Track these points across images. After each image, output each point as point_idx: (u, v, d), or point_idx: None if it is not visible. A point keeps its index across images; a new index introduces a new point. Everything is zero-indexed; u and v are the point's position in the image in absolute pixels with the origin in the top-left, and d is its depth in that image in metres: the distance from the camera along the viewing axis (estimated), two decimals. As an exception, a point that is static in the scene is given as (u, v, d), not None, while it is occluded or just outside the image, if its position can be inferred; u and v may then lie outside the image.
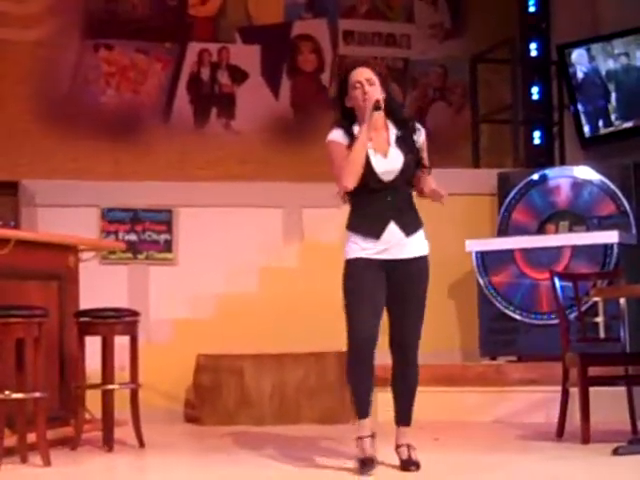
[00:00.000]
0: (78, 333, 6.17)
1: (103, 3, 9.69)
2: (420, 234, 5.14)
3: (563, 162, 9.46)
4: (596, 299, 7.20)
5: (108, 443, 6.09)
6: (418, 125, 5.20)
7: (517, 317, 8.16)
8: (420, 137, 5.17)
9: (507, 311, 8.20)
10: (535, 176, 8.59)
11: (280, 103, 10.05)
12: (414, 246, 5.10)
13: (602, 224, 8.18)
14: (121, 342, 6.26)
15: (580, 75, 9.18)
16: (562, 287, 6.41)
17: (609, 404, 6.36)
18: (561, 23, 9.71)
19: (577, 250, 7.99)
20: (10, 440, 5.52)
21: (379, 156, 5.05)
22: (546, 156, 9.67)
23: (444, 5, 10.56)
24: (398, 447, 5.15)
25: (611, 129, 9.02)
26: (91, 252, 6.82)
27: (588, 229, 8.22)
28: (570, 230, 8.32)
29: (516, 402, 7.41)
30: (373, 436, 5.11)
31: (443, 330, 8.27)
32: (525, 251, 8.20)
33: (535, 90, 9.74)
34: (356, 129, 5.07)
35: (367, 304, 5.00)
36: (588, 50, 9.09)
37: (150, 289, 8.76)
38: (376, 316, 5.04)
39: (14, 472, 5.31)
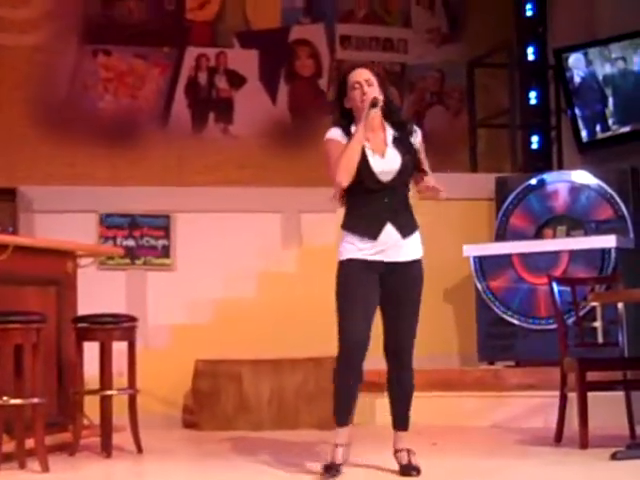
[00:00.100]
0: (76, 339, 6.17)
1: (100, 8, 9.70)
2: (416, 236, 5.13)
3: (561, 167, 9.46)
4: (594, 304, 7.22)
5: (106, 449, 6.08)
6: (415, 127, 5.21)
7: (515, 322, 8.16)
8: (417, 138, 5.17)
9: (505, 316, 8.20)
10: (533, 181, 8.59)
11: (278, 108, 10.06)
12: (410, 249, 5.09)
13: (600, 228, 8.18)
14: (119, 348, 6.25)
15: (577, 79, 9.18)
16: (560, 292, 6.41)
17: (607, 409, 6.35)
18: (558, 27, 9.71)
19: (575, 255, 7.99)
20: (8, 446, 5.52)
21: (377, 156, 5.05)
22: (544, 161, 9.67)
23: (441, 10, 10.58)
24: (397, 452, 5.16)
25: (608, 134, 9.02)
26: (89, 258, 6.82)
27: (586, 234, 8.22)
28: (568, 235, 8.32)
29: (514, 407, 7.40)
30: (348, 445, 5.10)
31: (441, 335, 8.28)
32: (523, 256, 8.20)
33: (532, 94, 9.73)
34: (354, 129, 5.06)
35: (360, 308, 4.99)
36: (585, 54, 9.10)
37: (148, 295, 8.76)
38: (368, 320, 5.02)
39: (12, 478, 5.31)
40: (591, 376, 6.00)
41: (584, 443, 5.83)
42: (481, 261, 8.33)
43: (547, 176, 8.63)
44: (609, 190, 8.24)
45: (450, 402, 7.52)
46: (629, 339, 6.73)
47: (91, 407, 6.25)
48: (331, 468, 5.01)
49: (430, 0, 10.58)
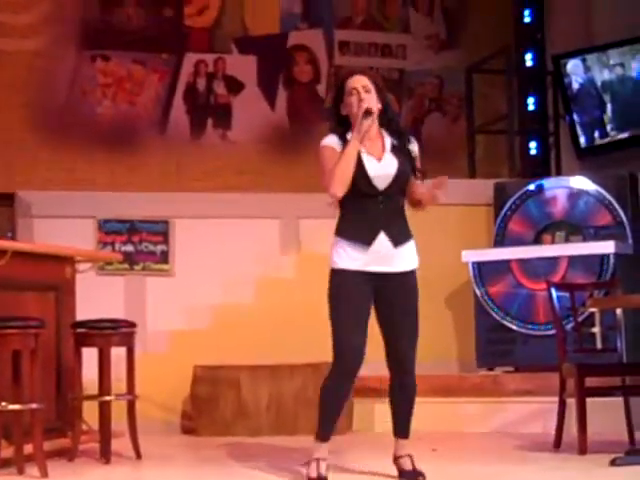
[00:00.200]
0: (75, 344, 6.16)
1: (99, 14, 9.71)
2: (409, 246, 5.06)
3: (559, 172, 9.47)
4: (593, 309, 7.22)
5: (105, 455, 6.07)
6: (412, 138, 5.18)
7: (514, 328, 8.16)
8: (414, 148, 5.14)
9: (504, 322, 8.20)
10: (531, 186, 8.59)
11: (276, 113, 10.07)
12: (404, 259, 5.03)
13: (598, 234, 8.18)
14: (118, 353, 6.25)
15: (575, 85, 9.19)
16: (559, 297, 6.41)
17: (606, 415, 6.35)
18: (556, 33, 9.73)
19: (573, 260, 8.00)
20: (7, 451, 5.50)
21: (373, 160, 4.99)
22: (542, 166, 9.68)
23: (440, 16, 10.59)
24: (399, 458, 5.13)
25: (607, 140, 9.03)
26: (88, 263, 6.81)
27: (584, 239, 8.22)
28: (566, 240, 8.32)
29: (513, 413, 7.41)
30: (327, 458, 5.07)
31: (440, 341, 8.27)
32: (522, 261, 8.20)
33: (531, 100, 9.75)
34: (350, 136, 5.00)
35: (355, 322, 4.94)
36: (583, 60, 9.11)
37: (147, 300, 8.75)
38: (364, 332, 4.97)
39: (11, 484, 5.32)
40: (590, 382, 5.99)
41: (583, 449, 5.83)
42: (480, 267, 8.33)
43: (545, 182, 8.63)
44: (607, 196, 8.24)
45: (449, 408, 7.52)
46: (627, 345, 6.72)
47: (90, 413, 6.24)
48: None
49: (429, 6, 10.60)
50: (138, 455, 6.21)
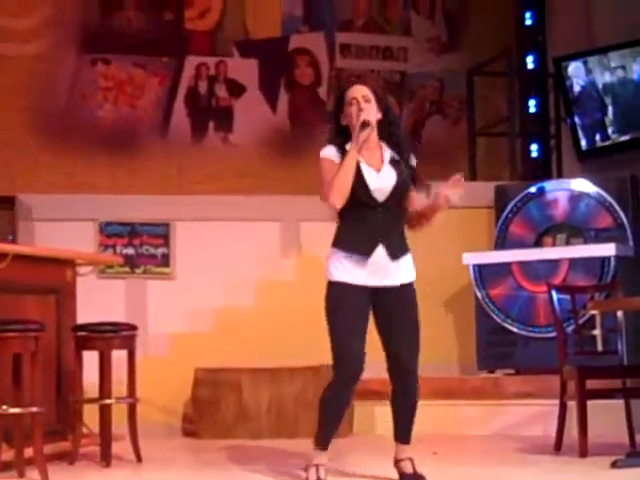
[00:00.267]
0: (75, 347, 6.16)
1: (100, 18, 9.72)
2: (407, 259, 5.05)
3: (560, 175, 9.47)
4: (593, 312, 7.21)
5: (106, 458, 6.07)
6: (412, 156, 5.13)
7: (515, 330, 8.16)
8: (413, 161, 5.13)
9: (505, 324, 8.20)
10: (532, 189, 8.59)
11: (278, 116, 10.08)
12: (401, 272, 5.01)
13: (599, 237, 8.18)
14: (119, 356, 6.25)
15: (577, 88, 9.19)
16: (560, 300, 6.41)
17: (607, 417, 6.35)
18: (558, 36, 9.73)
19: (574, 263, 7.99)
20: (7, 454, 5.51)
21: (373, 172, 4.98)
22: (543, 169, 9.68)
23: (441, 19, 10.60)
24: (400, 461, 5.12)
25: (608, 142, 9.03)
26: (89, 266, 6.81)
27: (585, 242, 8.22)
28: (567, 243, 8.32)
29: (514, 415, 7.40)
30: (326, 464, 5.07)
31: (441, 343, 8.25)
32: (522, 264, 8.20)
33: (532, 103, 9.75)
34: (349, 147, 4.98)
35: (354, 329, 4.93)
36: (585, 63, 9.11)
37: (148, 303, 8.75)
38: (363, 342, 4.96)
39: (11, 487, 5.32)
40: (590, 384, 5.99)
41: (584, 451, 5.83)
42: (481, 269, 8.33)
43: (547, 184, 8.63)
44: (608, 198, 8.24)
45: (450, 410, 7.52)
46: (628, 347, 6.72)
47: (90, 416, 6.24)
48: None
49: (430, 9, 10.60)
50: (139, 458, 6.21)
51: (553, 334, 6.82)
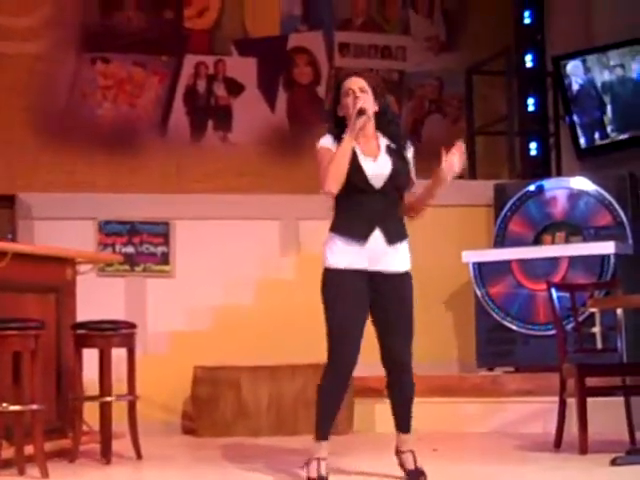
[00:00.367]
0: (75, 345, 6.17)
1: (99, 17, 9.72)
2: (404, 246, 5.06)
3: (559, 173, 9.47)
4: (593, 310, 7.22)
5: (106, 455, 6.07)
6: (409, 144, 5.17)
7: (514, 328, 8.17)
8: (409, 152, 5.14)
9: (504, 322, 8.20)
10: (531, 187, 8.60)
11: (276, 115, 10.08)
12: (397, 259, 5.01)
13: (598, 235, 8.19)
14: (118, 354, 6.26)
15: (575, 86, 9.20)
16: (559, 298, 6.41)
17: (607, 415, 6.35)
18: (556, 35, 9.73)
19: (574, 261, 8.00)
20: (7, 452, 5.51)
21: (369, 160, 4.99)
22: (542, 167, 9.68)
23: (440, 18, 10.60)
24: (401, 453, 5.13)
25: (607, 140, 9.03)
26: (88, 265, 6.82)
27: (585, 240, 8.22)
28: (567, 241, 8.32)
29: (513, 413, 7.41)
30: (327, 458, 5.07)
31: (440, 341, 8.28)
32: (522, 262, 8.21)
33: (531, 101, 9.75)
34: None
35: (353, 320, 4.94)
36: (583, 61, 9.11)
37: (147, 301, 8.77)
38: (359, 335, 4.96)
39: (12, 484, 5.32)
40: (590, 382, 5.99)
41: (583, 449, 5.83)
42: (480, 267, 8.34)
43: (546, 182, 8.64)
44: (608, 196, 8.25)
45: (449, 408, 7.53)
46: (628, 345, 6.72)
47: (90, 413, 6.25)
48: None
49: (429, 8, 10.61)
50: (139, 456, 6.21)
51: (553, 332, 6.83)
